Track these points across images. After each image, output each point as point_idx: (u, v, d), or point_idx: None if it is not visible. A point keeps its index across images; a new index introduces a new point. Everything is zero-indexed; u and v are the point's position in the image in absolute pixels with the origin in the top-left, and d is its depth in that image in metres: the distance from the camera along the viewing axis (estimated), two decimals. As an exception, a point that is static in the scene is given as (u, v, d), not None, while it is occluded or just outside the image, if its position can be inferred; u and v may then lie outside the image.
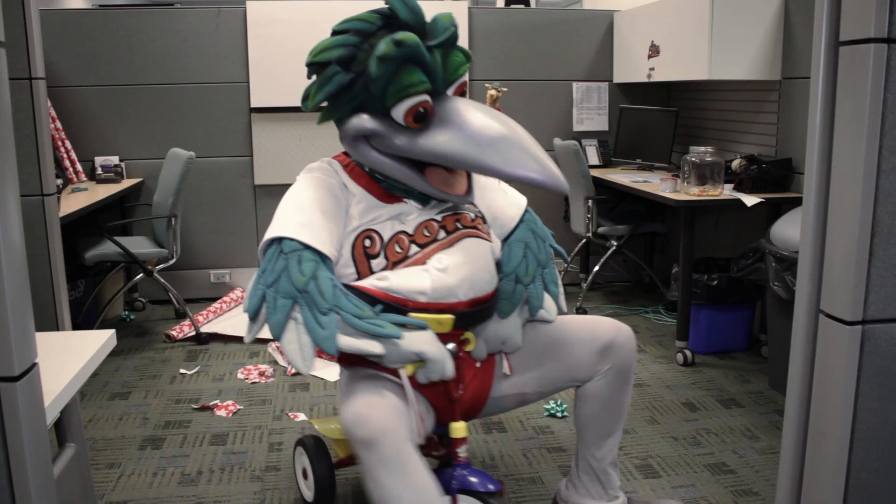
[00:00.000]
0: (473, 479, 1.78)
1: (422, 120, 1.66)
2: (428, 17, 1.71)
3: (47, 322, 2.42)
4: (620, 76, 4.54)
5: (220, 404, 3.03)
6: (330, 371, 3.36)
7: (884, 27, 1.07)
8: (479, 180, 1.90)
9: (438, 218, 1.79)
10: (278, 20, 4.20)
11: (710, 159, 3.39)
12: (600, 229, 4.10)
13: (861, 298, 1.15)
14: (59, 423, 1.48)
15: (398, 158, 1.71)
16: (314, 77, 1.74)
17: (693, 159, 3.41)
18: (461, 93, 1.77)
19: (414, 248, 1.73)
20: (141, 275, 3.81)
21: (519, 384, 1.96)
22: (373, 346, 1.58)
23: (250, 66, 4.24)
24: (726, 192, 3.40)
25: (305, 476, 2.25)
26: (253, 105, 4.29)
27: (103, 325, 3.81)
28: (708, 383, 3.21)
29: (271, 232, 1.66)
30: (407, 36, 1.61)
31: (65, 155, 4.08)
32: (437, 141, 1.64)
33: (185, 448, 2.68)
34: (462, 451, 1.82)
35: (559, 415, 2.87)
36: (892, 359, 1.17)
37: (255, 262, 4.49)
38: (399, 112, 1.66)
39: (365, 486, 1.59)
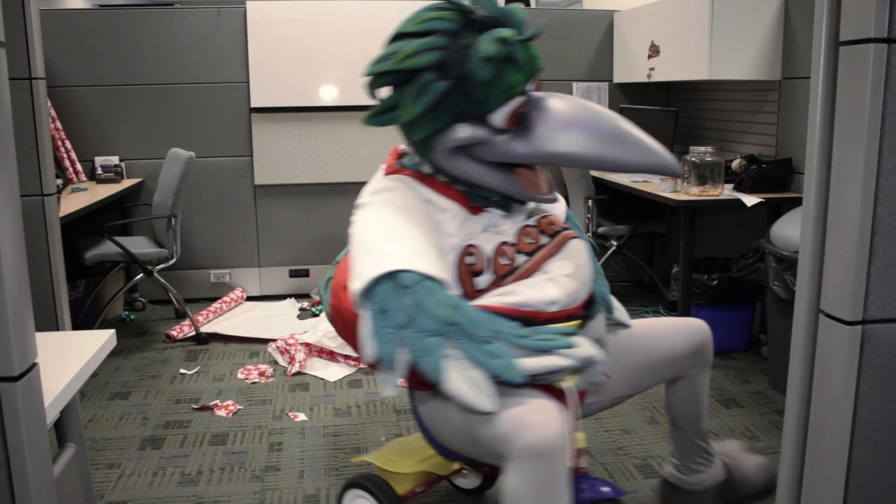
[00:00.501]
0: (591, 489, 1.73)
1: (519, 121, 1.58)
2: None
3: (47, 322, 2.42)
4: (620, 76, 4.54)
5: (220, 404, 3.03)
6: (331, 371, 3.36)
7: (884, 27, 1.07)
8: None
9: (533, 223, 1.70)
10: (278, 20, 4.20)
11: (710, 159, 3.39)
12: (600, 229, 4.10)
13: (861, 298, 1.15)
14: (59, 423, 1.48)
15: (495, 165, 1.61)
16: (384, 87, 1.60)
17: (693, 159, 3.41)
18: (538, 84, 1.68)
19: (521, 258, 1.63)
20: (141, 275, 3.81)
21: (613, 388, 1.91)
22: (560, 361, 1.45)
23: (250, 66, 4.24)
24: (726, 192, 3.40)
25: None
26: (253, 105, 4.29)
27: (103, 325, 3.81)
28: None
29: (377, 266, 1.48)
30: (509, 33, 1.52)
31: (65, 155, 4.08)
32: (559, 142, 1.54)
33: (185, 448, 2.68)
34: (582, 462, 1.75)
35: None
36: (892, 359, 1.17)
37: (254, 261, 4.49)
38: (500, 116, 1.56)
39: (504, 491, 1.47)
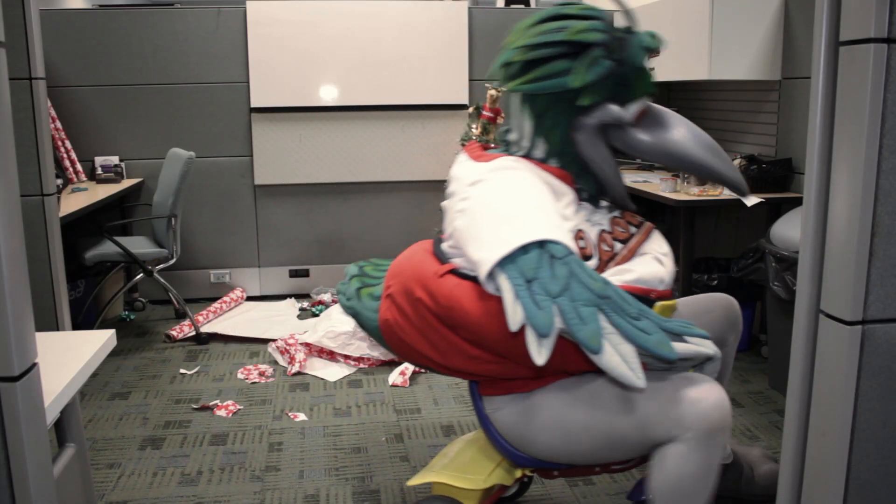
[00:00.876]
0: None
1: (641, 120, 1.71)
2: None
3: (47, 322, 2.42)
4: (620, 76, 4.53)
5: (220, 404, 3.03)
6: (331, 371, 3.36)
7: (884, 27, 1.07)
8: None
9: (618, 214, 1.78)
10: (278, 20, 4.20)
11: (710, 159, 3.38)
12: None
13: (861, 298, 1.15)
14: (59, 423, 1.48)
15: (612, 156, 1.72)
16: (537, 56, 1.65)
17: (693, 159, 3.40)
18: None
19: (618, 245, 1.71)
20: (141, 275, 3.81)
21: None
22: (704, 349, 1.48)
23: (250, 66, 4.24)
24: (726, 192, 3.40)
25: None
26: (253, 105, 4.29)
27: (103, 325, 3.81)
28: (708, 383, 3.21)
29: (524, 234, 1.48)
30: (658, 33, 1.67)
31: (65, 155, 4.08)
32: (676, 142, 1.69)
33: (185, 448, 2.68)
34: None
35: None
36: (892, 359, 1.17)
37: (254, 261, 4.49)
38: (634, 108, 1.68)
39: (686, 466, 1.54)
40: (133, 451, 2.66)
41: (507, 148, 1.79)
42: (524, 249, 1.47)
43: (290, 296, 4.53)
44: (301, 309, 4.30)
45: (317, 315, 4.10)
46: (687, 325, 1.51)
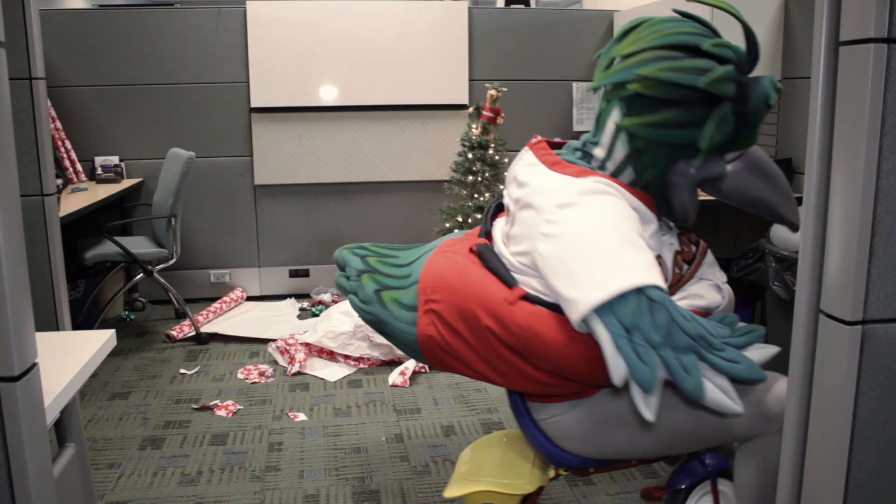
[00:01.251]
0: (712, 462, 1.81)
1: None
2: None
3: (47, 322, 2.42)
4: (620, 76, 4.53)
5: (220, 404, 3.03)
6: (331, 371, 3.36)
7: (884, 27, 1.07)
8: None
9: (679, 231, 1.77)
10: (278, 20, 4.20)
11: (710, 159, 3.38)
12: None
13: (861, 298, 1.14)
14: (59, 423, 1.48)
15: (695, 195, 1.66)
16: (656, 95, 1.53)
17: (693, 159, 3.40)
18: None
19: (685, 267, 1.70)
20: (141, 275, 3.81)
21: None
22: (775, 349, 1.55)
23: (250, 66, 4.24)
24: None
25: None
26: (253, 105, 4.29)
27: (103, 325, 3.81)
28: (708, 383, 3.21)
29: (623, 279, 1.39)
30: (777, 82, 1.60)
31: (65, 155, 4.08)
32: (760, 189, 1.64)
33: (185, 448, 2.68)
34: None
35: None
36: (892, 359, 1.17)
37: (254, 261, 4.49)
38: (731, 156, 1.62)
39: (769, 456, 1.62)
40: (133, 451, 2.66)
41: (586, 159, 1.67)
42: (624, 294, 1.39)
43: (290, 296, 4.53)
44: (301, 309, 4.30)
45: (317, 315, 4.10)
46: (747, 331, 1.55)
